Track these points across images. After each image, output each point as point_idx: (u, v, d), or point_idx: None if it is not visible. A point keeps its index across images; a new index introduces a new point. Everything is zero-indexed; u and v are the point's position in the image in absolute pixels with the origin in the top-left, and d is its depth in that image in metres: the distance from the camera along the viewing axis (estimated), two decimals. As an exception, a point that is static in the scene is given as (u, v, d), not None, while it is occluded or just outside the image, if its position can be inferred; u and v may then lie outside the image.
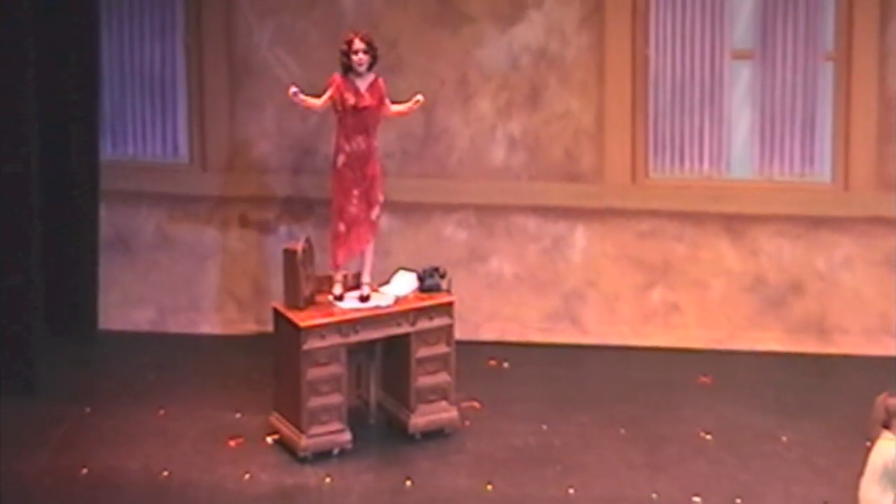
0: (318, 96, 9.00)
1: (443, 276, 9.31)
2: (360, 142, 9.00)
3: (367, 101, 8.96)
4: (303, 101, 8.97)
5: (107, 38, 10.49)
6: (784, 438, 9.18)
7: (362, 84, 8.98)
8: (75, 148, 10.34)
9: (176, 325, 10.68)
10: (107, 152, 10.61)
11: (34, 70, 9.59)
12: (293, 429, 9.02)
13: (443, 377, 9.21)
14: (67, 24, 10.12)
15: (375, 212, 9.15)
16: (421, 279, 9.30)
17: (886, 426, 6.71)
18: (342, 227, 9.11)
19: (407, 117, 10.23)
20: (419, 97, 9.05)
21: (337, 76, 8.98)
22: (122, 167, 10.63)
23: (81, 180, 10.42)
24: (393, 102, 9.12)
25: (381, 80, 9.01)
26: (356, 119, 8.97)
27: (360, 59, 8.92)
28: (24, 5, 9.41)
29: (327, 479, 8.81)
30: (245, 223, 10.44)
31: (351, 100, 8.95)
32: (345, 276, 9.22)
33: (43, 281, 9.84)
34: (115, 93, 10.62)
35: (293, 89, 8.89)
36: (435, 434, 9.21)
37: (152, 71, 10.60)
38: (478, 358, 10.07)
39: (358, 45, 8.92)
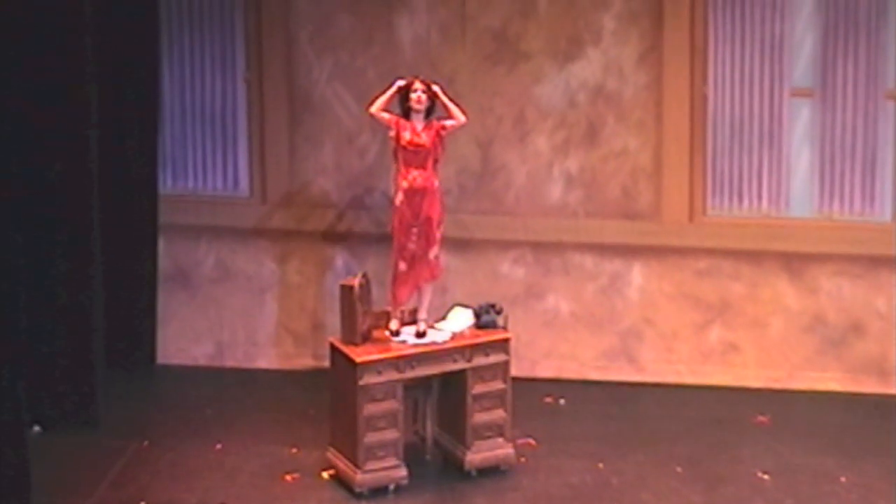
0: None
1: (499, 313, 9.30)
2: (416, 178, 9.03)
3: (423, 139, 9.00)
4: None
5: (168, 73, 10.60)
6: (843, 479, 9.10)
7: (419, 124, 9.03)
8: (135, 182, 10.43)
9: (233, 360, 10.74)
10: (167, 186, 10.70)
11: (95, 104, 9.68)
12: (349, 464, 9.03)
13: (499, 414, 9.20)
14: (128, 60, 10.23)
15: (434, 251, 9.16)
16: (477, 315, 9.30)
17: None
18: (402, 266, 9.13)
19: (465, 154, 10.29)
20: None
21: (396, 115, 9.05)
22: (182, 201, 10.71)
23: (141, 214, 10.51)
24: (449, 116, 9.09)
25: (437, 120, 9.04)
26: (413, 156, 9.01)
27: (419, 97, 8.97)
28: (86, 40, 9.51)
29: (383, 516, 8.83)
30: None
31: (407, 137, 8.99)
32: (402, 312, 9.23)
33: (103, 315, 9.91)
34: (175, 127, 10.71)
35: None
36: (491, 471, 9.20)
37: (213, 106, 10.69)
38: (534, 395, 10.05)
39: (417, 86, 8.99)
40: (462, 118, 9.04)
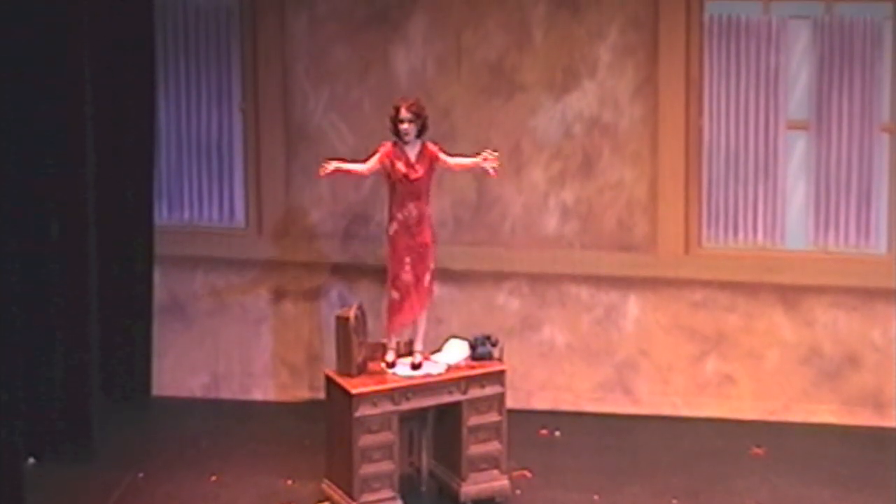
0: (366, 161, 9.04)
1: (494, 345, 9.30)
2: (411, 209, 9.03)
3: (418, 171, 8.99)
4: (347, 170, 9.02)
5: (164, 104, 10.62)
6: (839, 512, 9.11)
7: (412, 152, 9.01)
8: (131, 212, 10.44)
9: (229, 391, 10.72)
10: (163, 217, 10.71)
11: (91, 135, 9.69)
12: (345, 496, 9.01)
13: (494, 446, 9.19)
14: (125, 90, 10.24)
15: (427, 278, 9.16)
16: (473, 347, 9.30)
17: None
18: (396, 295, 9.13)
19: (461, 186, 10.30)
20: (490, 155, 9.01)
21: (388, 144, 9.03)
22: (177, 232, 10.71)
23: (137, 245, 10.51)
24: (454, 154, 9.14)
25: (430, 145, 9.03)
26: (408, 187, 9.00)
27: (406, 128, 8.94)
28: (83, 70, 9.52)
29: (378, 548, 8.80)
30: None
31: (402, 169, 8.98)
32: (397, 344, 9.23)
33: (98, 346, 9.90)
34: (171, 158, 10.72)
35: (330, 166, 8.94)
36: (486, 503, 9.17)
37: (209, 136, 10.71)
38: (529, 427, 10.04)
39: (404, 114, 8.94)
40: (456, 169, 9.07)
